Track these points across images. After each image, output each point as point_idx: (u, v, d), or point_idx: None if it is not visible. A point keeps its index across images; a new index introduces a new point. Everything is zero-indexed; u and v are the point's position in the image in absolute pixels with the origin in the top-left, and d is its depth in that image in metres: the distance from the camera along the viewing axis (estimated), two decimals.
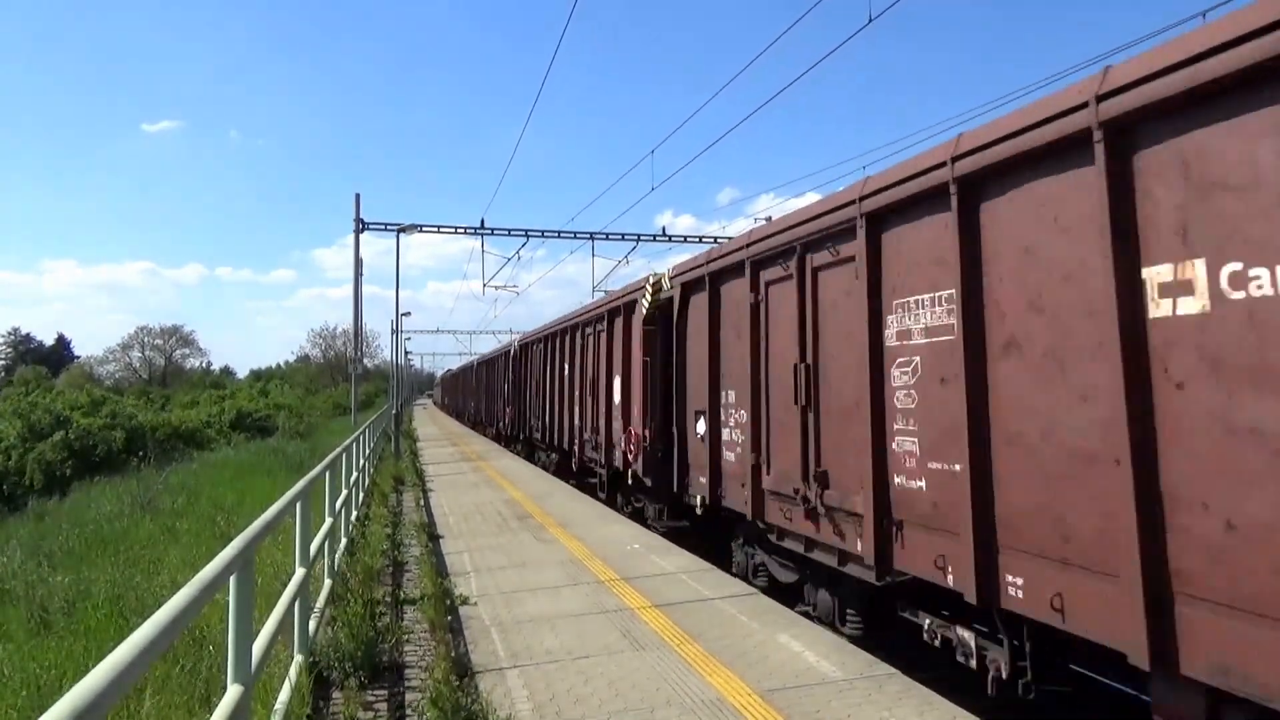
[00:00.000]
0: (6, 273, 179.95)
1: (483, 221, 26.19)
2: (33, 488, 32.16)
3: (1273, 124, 3.46)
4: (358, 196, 23.68)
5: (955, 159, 5.19)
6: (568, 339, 17.56)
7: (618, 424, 13.16)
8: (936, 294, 5.49)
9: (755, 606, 7.09)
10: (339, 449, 9.78)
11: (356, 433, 12.85)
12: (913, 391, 5.71)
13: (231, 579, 3.44)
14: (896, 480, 5.84)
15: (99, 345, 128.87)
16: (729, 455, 8.86)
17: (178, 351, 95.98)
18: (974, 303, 5.12)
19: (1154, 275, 3.94)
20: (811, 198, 8.27)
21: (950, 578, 5.25)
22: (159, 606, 2.56)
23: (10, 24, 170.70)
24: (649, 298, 11.42)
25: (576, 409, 16.49)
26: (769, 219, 8.78)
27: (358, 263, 23.75)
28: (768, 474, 7.82)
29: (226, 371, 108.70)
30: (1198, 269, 3.73)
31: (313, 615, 5.86)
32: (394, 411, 27.90)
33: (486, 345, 59.84)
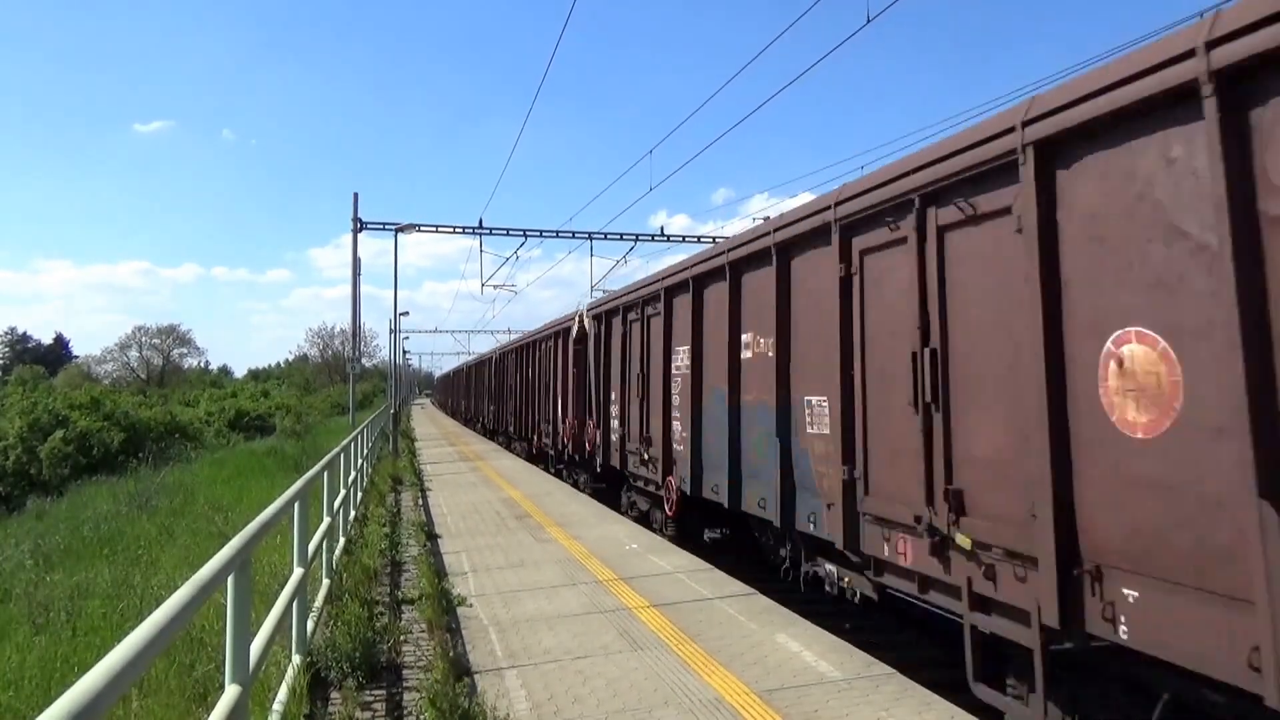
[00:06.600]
0: (3, 271, 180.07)
1: (480, 221, 26.12)
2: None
3: None
4: (355, 195, 23.69)
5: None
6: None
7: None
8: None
9: (753, 606, 7.09)
10: (337, 449, 9.77)
11: (355, 432, 12.84)
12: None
13: (229, 579, 3.43)
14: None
15: (96, 345, 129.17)
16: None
17: (175, 351, 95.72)
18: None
19: None
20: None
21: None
22: (157, 606, 2.56)
23: (2, 24, 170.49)
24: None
25: None
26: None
27: (356, 261, 23.73)
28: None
29: (224, 371, 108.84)
30: None
31: (311, 615, 5.86)
32: (392, 411, 27.88)
33: (485, 345, 58.72)
